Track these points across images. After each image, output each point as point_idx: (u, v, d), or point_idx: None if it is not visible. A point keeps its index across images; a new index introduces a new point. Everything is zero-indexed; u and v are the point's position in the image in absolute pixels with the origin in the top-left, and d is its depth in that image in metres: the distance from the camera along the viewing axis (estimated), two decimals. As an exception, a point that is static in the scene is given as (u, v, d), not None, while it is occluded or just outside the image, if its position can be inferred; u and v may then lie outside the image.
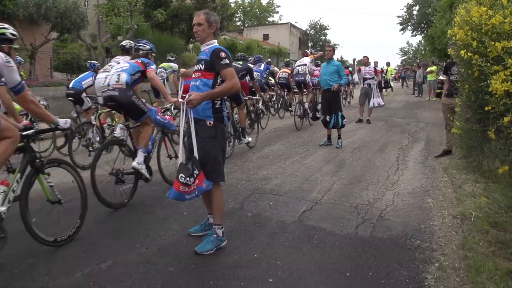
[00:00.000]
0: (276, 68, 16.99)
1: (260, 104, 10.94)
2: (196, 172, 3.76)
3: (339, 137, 9.51)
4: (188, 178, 3.73)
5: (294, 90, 14.11)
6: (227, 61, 3.83)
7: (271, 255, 3.90)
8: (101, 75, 7.99)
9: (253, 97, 9.73)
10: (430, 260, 3.83)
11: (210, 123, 3.90)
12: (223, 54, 3.84)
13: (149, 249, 4.00)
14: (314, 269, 3.65)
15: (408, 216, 5.02)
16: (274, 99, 15.80)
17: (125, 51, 8.07)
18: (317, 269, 3.66)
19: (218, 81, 3.88)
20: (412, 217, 5.00)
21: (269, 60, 18.13)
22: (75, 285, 3.30)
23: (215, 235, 4.00)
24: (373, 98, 13.76)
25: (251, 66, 10.07)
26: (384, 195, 5.83)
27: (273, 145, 9.67)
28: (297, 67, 12.63)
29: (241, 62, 9.15)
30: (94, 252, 3.91)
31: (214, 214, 4.08)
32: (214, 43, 4.00)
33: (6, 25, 4.23)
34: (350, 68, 20.77)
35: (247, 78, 9.15)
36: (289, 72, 14.41)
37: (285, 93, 15.37)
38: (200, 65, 3.96)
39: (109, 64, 8.58)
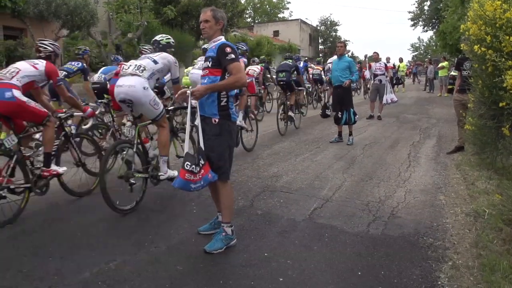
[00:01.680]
0: (312, 65, 18.98)
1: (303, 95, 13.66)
2: (201, 162, 3.77)
3: (350, 134, 9.44)
4: (193, 166, 3.75)
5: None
6: (233, 55, 3.78)
7: (282, 253, 3.86)
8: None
9: (299, 88, 11.69)
10: (443, 259, 3.77)
11: (215, 121, 3.87)
12: (228, 49, 3.80)
13: (158, 247, 3.98)
14: (325, 268, 3.61)
15: (420, 214, 4.96)
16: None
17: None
18: (328, 268, 3.62)
19: (226, 77, 3.85)
20: (424, 214, 4.94)
21: (306, 58, 20.10)
22: (83, 284, 3.29)
23: (224, 233, 3.97)
24: (386, 94, 13.64)
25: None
26: (395, 192, 5.77)
27: (283, 142, 9.63)
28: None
29: (290, 61, 11.44)
30: (102, 251, 3.90)
31: (222, 212, 4.06)
32: (221, 39, 3.97)
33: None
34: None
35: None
36: (321, 69, 17.02)
37: (318, 87, 17.72)
38: (208, 63, 3.94)
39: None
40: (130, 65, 5.26)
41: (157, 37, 5.99)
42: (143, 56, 5.73)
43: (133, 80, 5.03)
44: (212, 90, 3.82)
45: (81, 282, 3.32)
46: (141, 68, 5.14)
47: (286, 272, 3.51)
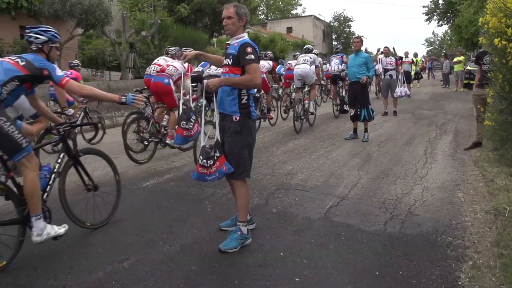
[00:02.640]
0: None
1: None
2: (217, 154, 3.83)
3: (366, 130, 9.33)
4: (205, 160, 3.85)
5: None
6: (252, 56, 3.75)
7: (297, 253, 3.81)
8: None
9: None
10: (463, 258, 3.68)
11: (236, 118, 3.86)
12: (249, 49, 3.77)
13: (172, 247, 3.94)
14: (342, 268, 3.54)
15: (438, 212, 4.86)
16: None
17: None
18: (344, 267, 3.55)
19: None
20: (443, 212, 4.84)
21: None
22: (97, 283, 3.27)
23: (239, 232, 3.93)
24: (398, 87, 13.48)
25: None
26: (412, 190, 5.67)
27: (298, 139, 9.55)
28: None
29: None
30: (116, 249, 3.88)
31: (238, 210, 4.03)
32: (244, 36, 3.93)
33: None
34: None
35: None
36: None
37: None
38: (228, 60, 3.94)
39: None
40: None
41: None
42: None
43: None
44: (226, 83, 3.86)
45: (94, 281, 3.30)
46: None
47: (302, 272, 3.46)
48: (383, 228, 4.39)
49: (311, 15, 54.89)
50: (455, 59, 22.82)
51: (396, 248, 3.92)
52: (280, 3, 66.28)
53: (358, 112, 9.22)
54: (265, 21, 58.54)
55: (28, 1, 14.72)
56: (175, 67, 7.70)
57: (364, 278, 3.37)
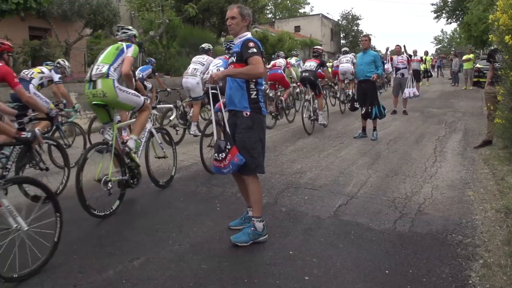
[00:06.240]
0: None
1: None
2: (228, 146, 3.89)
3: (374, 129, 9.30)
4: (216, 154, 3.95)
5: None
6: (254, 50, 3.81)
7: (307, 251, 3.81)
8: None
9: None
10: (473, 257, 3.66)
11: (246, 114, 3.91)
12: (251, 44, 3.84)
13: (182, 246, 3.96)
14: (352, 266, 3.54)
15: (448, 210, 4.84)
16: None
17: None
18: (354, 266, 3.55)
19: None
20: (453, 211, 4.82)
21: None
22: (107, 283, 3.29)
23: (252, 228, 3.96)
24: (408, 87, 13.39)
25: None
26: (422, 188, 5.65)
27: (306, 137, 9.54)
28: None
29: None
30: (126, 249, 3.90)
31: (252, 206, 4.06)
32: (247, 35, 4.00)
33: None
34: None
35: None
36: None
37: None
38: (233, 58, 4.04)
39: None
40: None
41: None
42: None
43: None
44: (228, 73, 3.97)
45: (105, 280, 3.32)
46: None
47: (312, 271, 3.46)
48: (393, 226, 4.38)
49: (319, 14, 54.66)
50: (465, 57, 22.67)
51: (406, 246, 3.90)
52: (288, 2, 66.14)
53: (369, 110, 9.19)
54: (273, 20, 58.39)
55: (37, 2, 14.80)
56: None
57: (374, 277, 3.37)
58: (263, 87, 4.13)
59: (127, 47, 5.18)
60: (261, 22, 38.02)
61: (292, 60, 14.81)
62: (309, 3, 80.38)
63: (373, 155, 7.65)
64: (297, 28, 51.99)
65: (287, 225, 4.45)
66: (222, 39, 29.62)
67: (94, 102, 4.89)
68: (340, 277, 3.37)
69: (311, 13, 61.39)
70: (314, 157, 7.59)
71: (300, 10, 66.38)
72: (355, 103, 11.18)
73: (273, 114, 10.92)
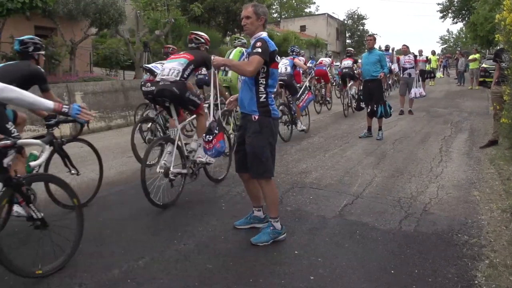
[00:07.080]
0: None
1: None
2: (215, 131, 4.20)
3: (380, 129, 9.29)
4: (205, 135, 4.40)
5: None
6: (259, 50, 3.75)
7: (312, 251, 3.81)
8: None
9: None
10: (479, 257, 3.65)
11: (254, 118, 3.87)
12: (258, 44, 3.78)
13: (187, 245, 3.96)
14: (357, 266, 3.53)
15: (454, 210, 4.83)
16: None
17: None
18: (360, 266, 3.54)
19: (261, 72, 3.83)
20: (458, 211, 4.81)
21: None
22: (113, 282, 3.30)
23: (271, 228, 3.98)
24: (414, 88, 13.34)
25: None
26: (427, 188, 5.64)
27: (312, 137, 9.53)
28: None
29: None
30: (132, 248, 3.90)
31: (268, 207, 4.07)
32: (261, 35, 3.92)
33: None
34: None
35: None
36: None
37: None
38: (246, 59, 4.12)
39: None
40: None
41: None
42: None
43: None
44: (225, 62, 4.11)
45: (110, 280, 3.33)
46: None
47: (317, 271, 3.46)
48: (398, 226, 4.37)
49: (325, 14, 54.67)
50: (470, 57, 22.58)
51: (412, 246, 3.90)
52: (294, 1, 66.19)
53: (375, 109, 9.18)
54: (279, 19, 58.44)
55: (43, 1, 14.86)
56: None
57: (380, 277, 3.36)
58: (274, 90, 4.10)
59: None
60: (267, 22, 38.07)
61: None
62: (314, 3, 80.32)
63: (379, 155, 7.64)
64: (303, 28, 52.03)
65: (292, 224, 4.44)
66: (227, 38, 29.67)
67: None
68: (345, 277, 3.37)
69: (316, 13, 61.47)
70: (319, 156, 7.58)
71: (305, 10, 66.53)
72: (362, 103, 11.19)
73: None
